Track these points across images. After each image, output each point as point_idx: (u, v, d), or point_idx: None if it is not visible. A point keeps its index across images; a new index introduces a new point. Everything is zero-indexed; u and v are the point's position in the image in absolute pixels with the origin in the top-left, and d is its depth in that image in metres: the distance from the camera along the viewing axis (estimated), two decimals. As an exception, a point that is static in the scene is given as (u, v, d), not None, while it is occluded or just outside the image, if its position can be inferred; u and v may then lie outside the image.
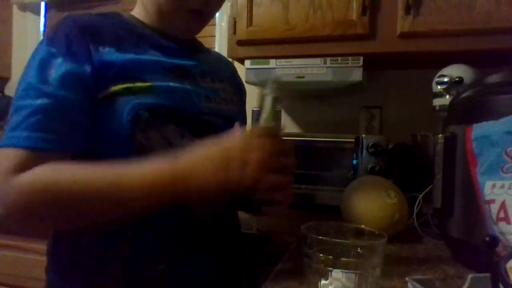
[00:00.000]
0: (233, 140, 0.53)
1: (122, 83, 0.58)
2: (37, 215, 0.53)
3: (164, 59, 0.64)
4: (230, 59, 1.01)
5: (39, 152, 0.52)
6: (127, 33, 0.63)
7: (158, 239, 0.60)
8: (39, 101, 0.53)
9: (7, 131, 0.53)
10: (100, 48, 0.58)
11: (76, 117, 0.55)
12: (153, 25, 0.68)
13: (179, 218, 0.61)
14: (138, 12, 0.69)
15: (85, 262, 0.60)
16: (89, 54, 0.57)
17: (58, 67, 0.55)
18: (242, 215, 0.78)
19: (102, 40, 0.59)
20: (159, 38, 0.67)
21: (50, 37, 0.58)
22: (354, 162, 1.11)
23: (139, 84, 0.59)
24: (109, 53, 0.59)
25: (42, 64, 0.55)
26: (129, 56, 0.60)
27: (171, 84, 0.62)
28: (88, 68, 0.56)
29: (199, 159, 0.53)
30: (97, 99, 0.57)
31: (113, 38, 0.61)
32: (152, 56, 0.63)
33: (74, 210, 0.53)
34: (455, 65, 1.05)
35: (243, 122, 0.82)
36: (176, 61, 0.65)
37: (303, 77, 1.17)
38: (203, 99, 0.66)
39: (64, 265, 0.63)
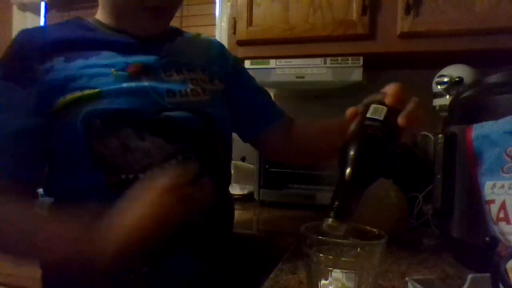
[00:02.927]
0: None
1: (71, 94, 0.57)
2: None
3: (118, 59, 0.62)
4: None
5: None
6: (82, 38, 0.63)
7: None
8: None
9: None
10: (48, 62, 0.59)
11: (20, 146, 0.58)
12: (113, 25, 0.67)
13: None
14: (100, 15, 0.69)
15: (70, 267, 0.59)
16: (33, 74, 0.58)
17: (3, 91, 0.58)
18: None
19: (50, 52, 0.59)
20: (117, 37, 0.65)
21: (2, 56, 0.60)
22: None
23: (88, 92, 0.57)
24: (56, 65, 0.59)
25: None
26: (78, 64, 0.60)
27: (124, 85, 0.60)
28: (31, 90, 0.57)
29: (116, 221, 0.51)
30: (49, 113, 0.58)
31: (63, 48, 0.60)
32: (104, 58, 0.62)
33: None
34: (455, 65, 1.05)
35: (224, 108, 0.73)
36: (133, 58, 0.63)
37: (303, 77, 1.17)
38: (165, 95, 0.63)
39: (54, 270, 0.63)
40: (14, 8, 1.97)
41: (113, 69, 0.60)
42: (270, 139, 0.82)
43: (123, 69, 0.61)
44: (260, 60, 1.22)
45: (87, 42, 0.63)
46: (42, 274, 0.67)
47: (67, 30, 0.64)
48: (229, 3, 1.30)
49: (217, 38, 1.67)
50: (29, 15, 1.98)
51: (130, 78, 0.61)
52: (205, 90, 0.69)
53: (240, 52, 1.26)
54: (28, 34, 0.61)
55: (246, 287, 0.79)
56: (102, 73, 0.60)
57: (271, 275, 0.59)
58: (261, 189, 1.20)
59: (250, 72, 1.22)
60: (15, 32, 1.95)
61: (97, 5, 0.69)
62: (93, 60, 0.61)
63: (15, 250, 0.57)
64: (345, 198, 0.43)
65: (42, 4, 1.98)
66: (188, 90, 0.66)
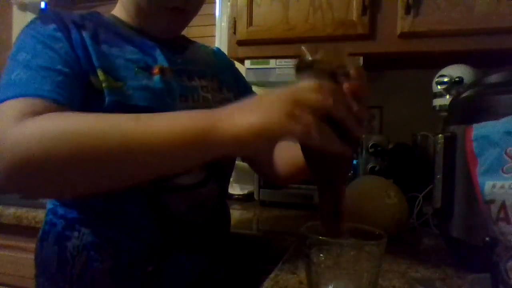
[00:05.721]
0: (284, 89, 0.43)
1: (97, 75, 0.56)
2: (41, 169, 0.42)
3: (139, 56, 0.62)
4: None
5: (57, 105, 0.49)
6: (104, 30, 0.62)
7: (143, 240, 0.60)
8: (59, 67, 0.53)
9: (16, 85, 0.49)
10: (77, 34, 0.58)
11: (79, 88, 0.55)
12: (133, 24, 0.67)
13: (158, 216, 0.60)
14: (119, 12, 0.69)
15: (72, 266, 0.60)
16: (70, 38, 0.57)
17: (63, 45, 0.55)
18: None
19: (80, 26, 0.59)
20: (137, 36, 0.65)
21: (46, 18, 0.58)
22: (354, 162, 1.11)
23: (111, 81, 0.57)
24: (87, 40, 0.58)
25: (50, 38, 0.55)
26: (104, 49, 0.60)
27: (143, 83, 0.60)
28: (72, 51, 0.56)
29: (240, 104, 0.43)
30: (81, 81, 0.56)
31: (90, 31, 0.60)
32: (127, 53, 0.62)
33: (91, 163, 0.43)
34: (455, 65, 1.05)
35: None
36: (152, 59, 0.64)
37: (303, 77, 1.17)
38: (178, 99, 0.63)
39: (50, 270, 0.62)
40: (14, 8, 1.97)
41: (135, 66, 0.61)
42: (262, 156, 0.81)
43: (143, 68, 0.62)
44: (260, 60, 1.22)
45: (110, 32, 0.63)
46: (36, 268, 0.66)
47: (90, 16, 0.64)
48: (229, 3, 1.30)
49: (217, 38, 1.67)
50: (29, 15, 1.98)
51: (149, 78, 0.61)
52: (215, 97, 0.70)
53: (240, 52, 1.26)
54: (60, 11, 0.61)
55: (246, 287, 0.79)
56: (125, 66, 0.60)
57: (271, 275, 0.59)
58: (261, 189, 1.20)
59: (250, 72, 1.23)
60: (15, 32, 1.96)
61: (98, 5, 0.69)
62: (116, 51, 0.61)
63: (110, 158, 0.43)
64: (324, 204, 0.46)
65: (42, 4, 1.99)
66: (200, 97, 0.67)
